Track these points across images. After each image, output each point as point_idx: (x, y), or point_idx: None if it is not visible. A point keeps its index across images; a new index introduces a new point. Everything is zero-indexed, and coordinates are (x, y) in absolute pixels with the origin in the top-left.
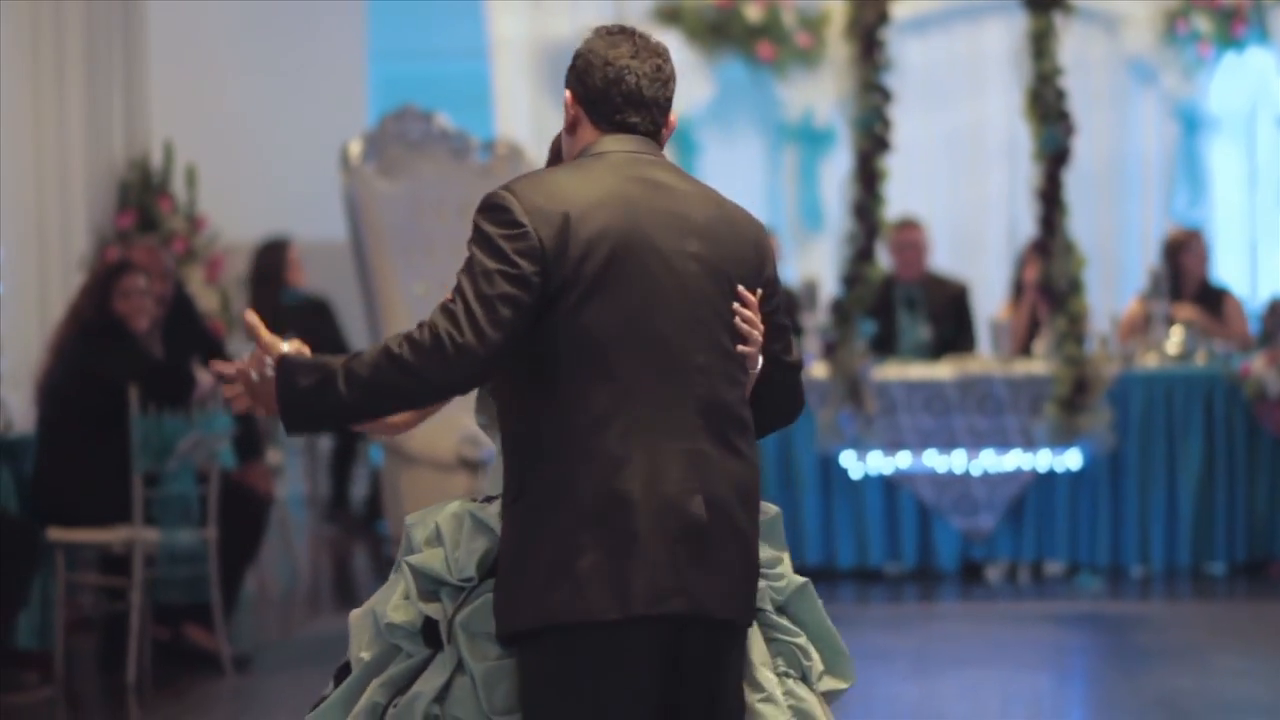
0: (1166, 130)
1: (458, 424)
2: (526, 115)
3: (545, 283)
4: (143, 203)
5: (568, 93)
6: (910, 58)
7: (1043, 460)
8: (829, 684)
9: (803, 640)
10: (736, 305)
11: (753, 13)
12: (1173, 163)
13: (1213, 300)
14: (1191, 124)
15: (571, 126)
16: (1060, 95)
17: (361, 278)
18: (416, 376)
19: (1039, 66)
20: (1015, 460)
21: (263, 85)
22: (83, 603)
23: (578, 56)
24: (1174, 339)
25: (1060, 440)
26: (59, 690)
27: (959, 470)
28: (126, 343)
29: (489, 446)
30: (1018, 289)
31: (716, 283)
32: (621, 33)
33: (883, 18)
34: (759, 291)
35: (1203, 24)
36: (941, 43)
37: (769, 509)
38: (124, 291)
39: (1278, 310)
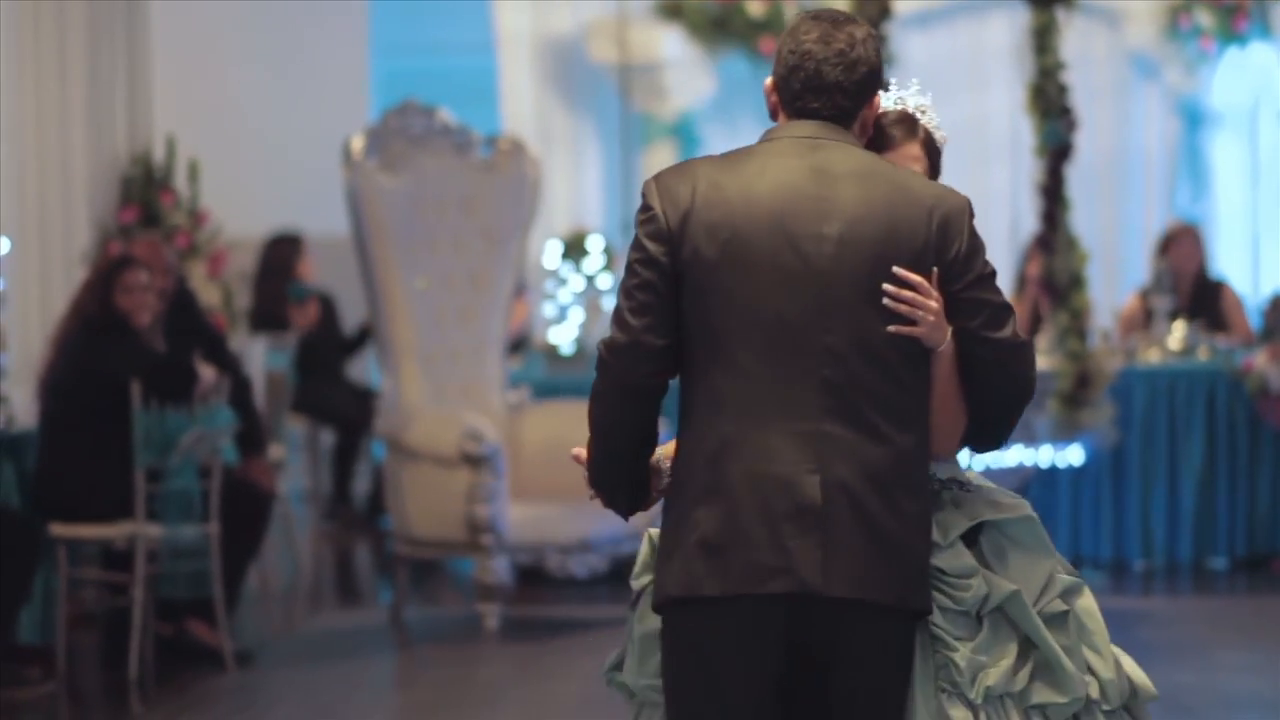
0: (1169, 125)
1: (460, 419)
2: (530, 110)
3: (673, 262)
4: (145, 198)
5: (768, 80)
6: (912, 52)
7: (1045, 455)
8: (1044, 695)
9: (959, 653)
10: (887, 285)
11: (755, 8)
12: (1175, 158)
13: (1210, 294)
14: (1194, 119)
15: (772, 112)
16: (1062, 90)
17: (364, 273)
18: (604, 379)
19: (1041, 61)
20: (1017, 455)
21: (265, 80)
22: (85, 598)
23: (779, 43)
24: (1176, 334)
25: (1062, 435)
26: (61, 685)
27: (960, 465)
28: (129, 338)
29: (492, 441)
30: (1020, 284)
31: (864, 263)
32: (816, 18)
33: (885, 12)
34: (934, 270)
35: (1205, 19)
36: (944, 37)
37: (1016, 507)
38: (126, 287)
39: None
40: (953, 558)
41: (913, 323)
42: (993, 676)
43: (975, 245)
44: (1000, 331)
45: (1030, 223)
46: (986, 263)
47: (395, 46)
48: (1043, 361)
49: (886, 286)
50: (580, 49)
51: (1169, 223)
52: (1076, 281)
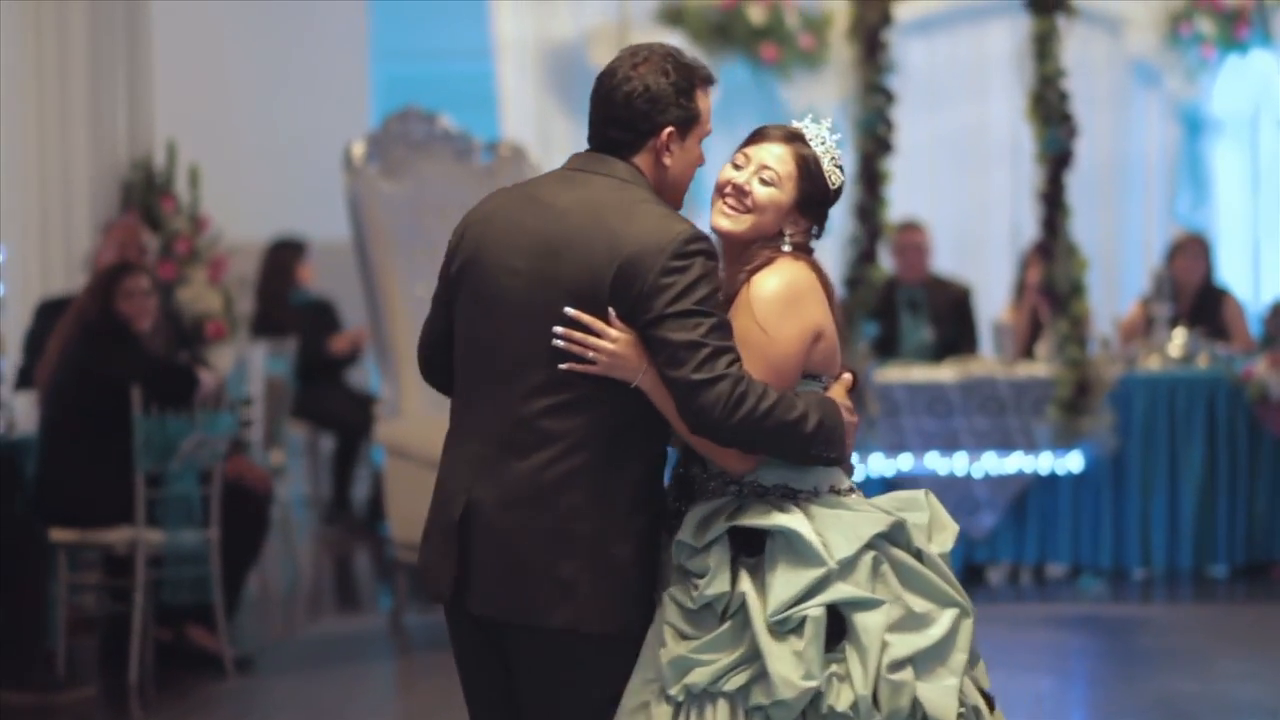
0: (1169, 132)
1: None
2: (530, 116)
3: (444, 288)
4: (146, 203)
5: None
6: (913, 59)
7: (1045, 462)
8: (758, 697)
9: (667, 649)
10: (556, 327)
11: (756, 14)
12: (1175, 165)
13: (1212, 303)
14: (1194, 126)
15: None
16: (1063, 97)
17: (364, 278)
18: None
19: (1042, 68)
20: (1017, 462)
21: (266, 85)
22: (85, 603)
23: None
24: (1176, 341)
25: (1062, 442)
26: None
27: (961, 472)
28: (129, 343)
29: None
30: (1020, 291)
31: (545, 298)
32: (631, 50)
33: (886, 19)
34: (610, 310)
35: (1206, 26)
36: (944, 44)
37: (790, 518)
38: (127, 292)
39: None
40: (699, 559)
41: (590, 361)
42: (699, 675)
43: (662, 285)
44: (676, 370)
45: (1030, 230)
46: (679, 299)
47: (395, 52)
48: (1043, 369)
49: (556, 328)
50: (581, 55)
51: (1175, 232)
52: (1076, 289)
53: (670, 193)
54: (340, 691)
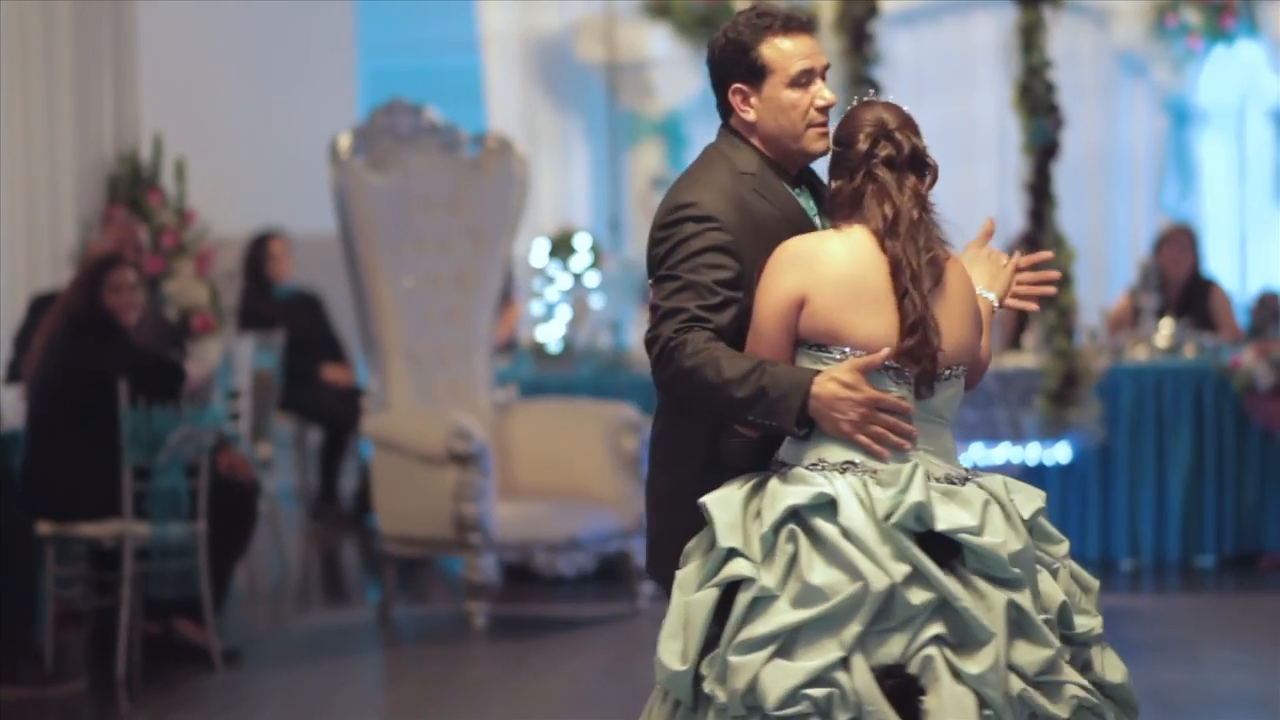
0: (1156, 123)
1: (448, 417)
2: (517, 109)
3: None
4: (132, 196)
5: None
6: (900, 51)
7: (1032, 453)
8: None
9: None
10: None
11: (742, 6)
12: (1162, 156)
13: (1199, 294)
14: (1181, 117)
15: None
16: (1049, 88)
17: (351, 271)
18: None
19: (1028, 59)
20: (1004, 453)
21: (252, 78)
22: (72, 597)
23: None
24: (1163, 332)
25: (1049, 433)
26: (48, 685)
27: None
28: (116, 337)
29: (479, 439)
30: None
31: None
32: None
33: (872, 11)
34: None
35: (1192, 17)
36: (931, 36)
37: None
38: (114, 285)
39: (1267, 303)
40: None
41: None
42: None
43: (651, 255)
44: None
45: (1017, 220)
46: (657, 266)
47: (382, 45)
48: (1030, 360)
49: None
50: (567, 47)
51: (1162, 223)
52: (1063, 279)
53: (776, 144)
54: (328, 684)
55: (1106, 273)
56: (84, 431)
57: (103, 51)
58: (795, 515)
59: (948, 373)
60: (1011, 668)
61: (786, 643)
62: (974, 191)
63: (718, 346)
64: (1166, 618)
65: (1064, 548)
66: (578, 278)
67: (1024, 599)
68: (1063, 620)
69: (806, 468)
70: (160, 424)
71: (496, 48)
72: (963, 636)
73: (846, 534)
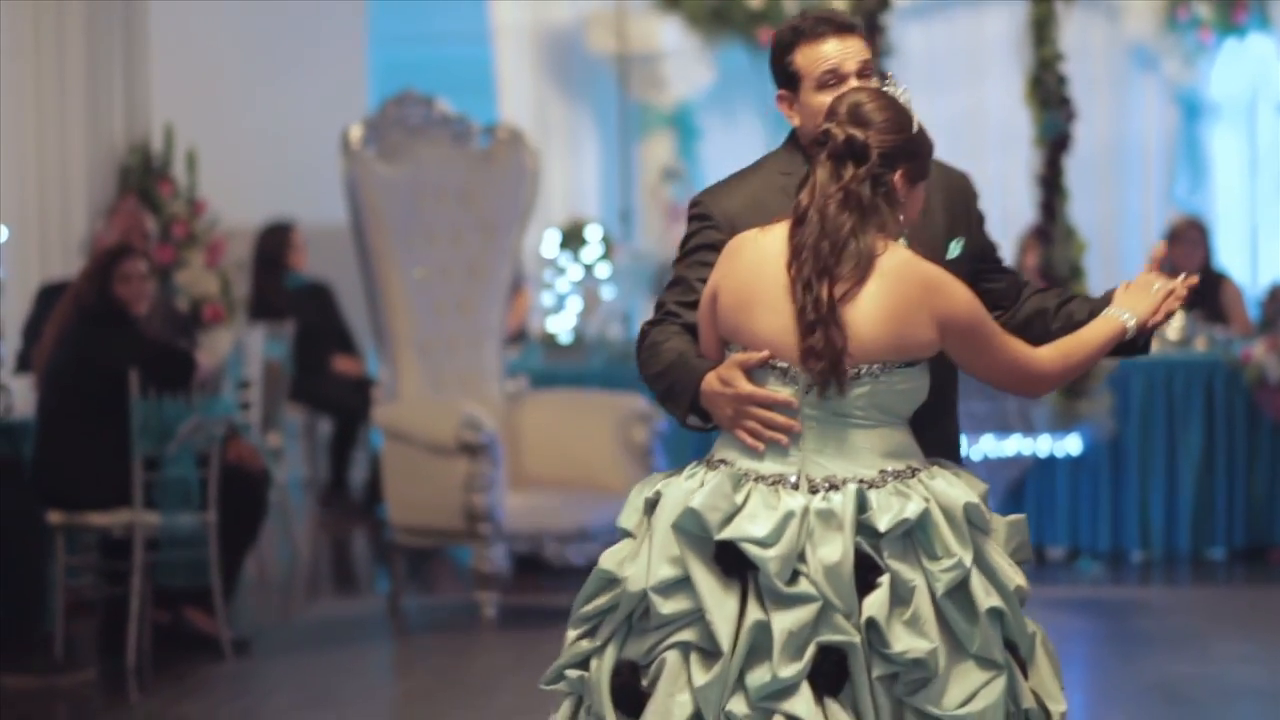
0: (1167, 116)
1: (458, 408)
2: (528, 100)
3: None
4: (143, 186)
5: None
6: (912, 43)
7: (1043, 445)
8: None
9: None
10: None
11: None
12: (1173, 149)
13: (1210, 287)
14: (1192, 110)
15: None
16: (1061, 81)
17: (362, 262)
18: None
19: (1040, 52)
20: (1015, 445)
21: (264, 69)
22: (83, 586)
23: None
24: (1174, 325)
25: (1060, 425)
26: (59, 674)
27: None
28: (127, 327)
29: (489, 430)
30: None
31: None
32: None
33: (884, 3)
34: None
35: (1204, 10)
36: (943, 28)
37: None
38: (124, 275)
39: (1278, 296)
40: None
41: None
42: None
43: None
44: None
45: (1028, 213)
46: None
47: (393, 36)
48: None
49: None
50: (579, 39)
51: (1174, 217)
52: (1075, 272)
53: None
54: (337, 674)
55: (1117, 265)
56: (94, 421)
57: (114, 42)
58: (651, 507)
59: (861, 371)
60: (743, 687)
61: (594, 625)
62: (985, 184)
63: (671, 339)
64: (1177, 610)
65: (951, 561)
66: (588, 269)
67: (790, 618)
68: (881, 639)
69: (711, 460)
70: (171, 414)
71: (508, 39)
72: (714, 645)
73: (651, 532)
